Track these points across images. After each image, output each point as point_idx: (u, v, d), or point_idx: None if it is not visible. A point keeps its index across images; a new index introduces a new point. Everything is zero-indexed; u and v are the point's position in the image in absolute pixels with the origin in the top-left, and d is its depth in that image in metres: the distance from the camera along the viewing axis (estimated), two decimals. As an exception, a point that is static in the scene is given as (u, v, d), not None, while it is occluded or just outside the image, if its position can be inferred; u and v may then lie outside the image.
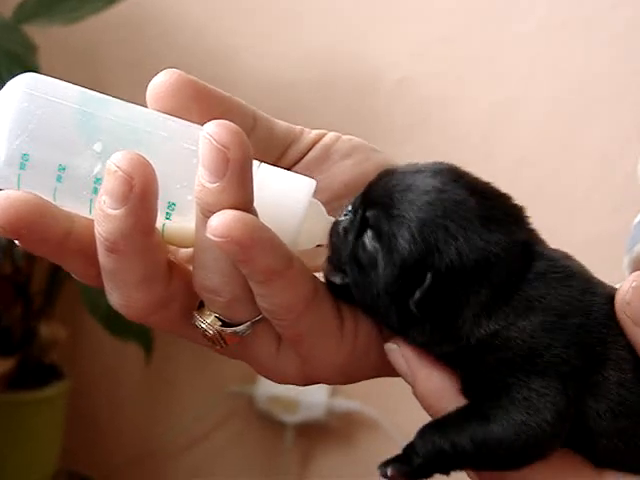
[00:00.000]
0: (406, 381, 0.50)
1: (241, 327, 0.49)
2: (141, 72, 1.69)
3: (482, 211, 0.49)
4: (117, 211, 0.45)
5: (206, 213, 0.45)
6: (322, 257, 0.52)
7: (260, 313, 0.49)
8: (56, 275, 1.54)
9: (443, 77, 1.57)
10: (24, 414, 1.57)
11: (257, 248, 0.45)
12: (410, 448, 0.48)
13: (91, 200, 0.47)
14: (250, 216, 0.45)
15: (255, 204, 0.46)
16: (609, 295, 0.49)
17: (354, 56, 1.60)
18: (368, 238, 0.48)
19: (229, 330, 0.49)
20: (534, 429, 0.47)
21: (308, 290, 0.48)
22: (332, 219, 0.50)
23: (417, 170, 0.50)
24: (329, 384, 0.53)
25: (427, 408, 0.50)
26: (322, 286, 0.50)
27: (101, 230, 0.46)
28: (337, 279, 0.50)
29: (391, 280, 0.48)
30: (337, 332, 0.50)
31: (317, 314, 0.49)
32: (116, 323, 1.47)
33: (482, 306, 0.47)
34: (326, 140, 0.55)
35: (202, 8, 1.64)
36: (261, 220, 0.46)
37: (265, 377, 0.52)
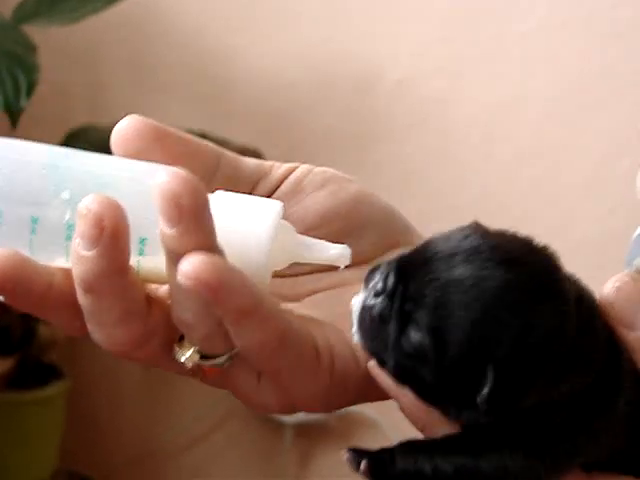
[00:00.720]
0: (392, 396, 0.50)
1: (219, 360, 0.50)
2: (141, 72, 1.70)
3: (538, 298, 0.46)
4: (90, 252, 0.46)
5: (171, 255, 0.46)
6: (299, 267, 0.52)
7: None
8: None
9: (443, 77, 1.57)
10: (23, 414, 1.57)
11: (226, 290, 0.45)
12: (388, 455, 0.48)
13: (66, 247, 0.48)
14: (218, 259, 0.46)
15: (223, 233, 0.47)
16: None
17: (353, 56, 1.60)
18: (417, 335, 0.46)
19: (208, 363, 0.50)
20: None
21: (279, 328, 0.48)
22: (305, 237, 0.51)
23: (451, 253, 0.47)
24: (310, 412, 0.54)
25: (415, 422, 0.50)
26: (296, 320, 0.50)
27: (77, 272, 0.47)
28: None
29: (446, 374, 0.45)
30: (314, 365, 0.51)
31: (292, 349, 0.49)
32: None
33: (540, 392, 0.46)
34: (297, 173, 0.55)
35: (202, 8, 1.64)
36: (229, 247, 0.47)
37: (247, 406, 0.53)
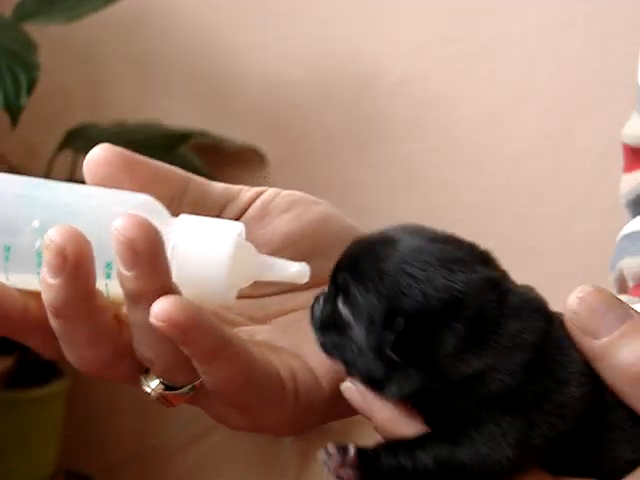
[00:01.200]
0: (363, 414, 0.52)
1: (183, 390, 0.52)
2: (141, 70, 1.70)
3: (443, 254, 0.49)
4: (56, 280, 0.48)
5: (129, 297, 0.49)
6: (264, 287, 0.55)
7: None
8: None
9: (442, 76, 1.57)
10: (23, 412, 1.57)
11: (196, 331, 0.48)
12: (372, 452, 0.50)
13: (38, 273, 0.51)
14: (188, 301, 0.48)
15: (186, 257, 0.50)
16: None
17: (354, 55, 1.60)
18: (340, 303, 0.50)
19: (171, 393, 0.52)
20: (495, 463, 0.48)
21: (246, 365, 0.51)
22: (265, 257, 0.52)
23: (381, 231, 0.52)
24: (278, 436, 0.56)
25: (386, 438, 0.52)
26: (260, 353, 0.52)
27: (46, 298, 0.50)
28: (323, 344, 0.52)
29: (366, 336, 0.49)
30: (279, 395, 0.53)
31: (258, 384, 0.52)
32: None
33: (463, 342, 0.48)
34: (265, 197, 0.57)
35: (201, 6, 1.64)
36: (192, 269, 0.50)
37: (221, 424, 0.56)
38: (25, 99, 1.34)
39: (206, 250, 0.50)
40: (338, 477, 0.49)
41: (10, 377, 1.58)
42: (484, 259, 0.51)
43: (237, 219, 0.56)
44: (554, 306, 0.52)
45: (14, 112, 1.34)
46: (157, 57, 1.67)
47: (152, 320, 0.47)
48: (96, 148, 0.54)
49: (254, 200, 0.56)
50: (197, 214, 0.53)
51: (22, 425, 1.56)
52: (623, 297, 0.72)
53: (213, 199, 0.56)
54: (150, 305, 0.48)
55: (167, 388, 0.53)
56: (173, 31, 1.66)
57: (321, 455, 0.49)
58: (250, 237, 0.53)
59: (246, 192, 0.57)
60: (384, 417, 0.51)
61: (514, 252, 1.58)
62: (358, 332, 0.49)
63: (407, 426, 0.50)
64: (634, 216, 0.74)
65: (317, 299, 0.52)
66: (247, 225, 0.54)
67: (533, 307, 0.50)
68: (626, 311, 0.49)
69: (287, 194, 0.57)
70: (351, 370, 0.51)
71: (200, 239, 0.50)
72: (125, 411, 1.76)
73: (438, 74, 1.56)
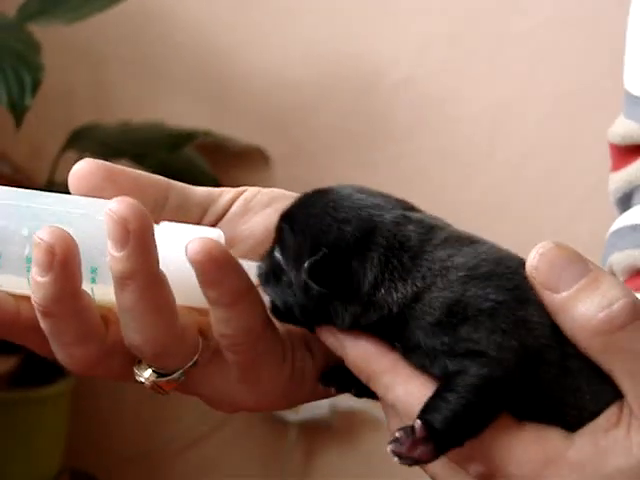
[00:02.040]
0: (336, 354, 0.53)
1: (174, 375, 0.55)
2: (144, 70, 1.70)
3: (366, 201, 0.53)
4: (44, 278, 0.51)
5: (118, 279, 0.51)
6: None
7: (191, 359, 0.54)
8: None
9: (445, 76, 1.57)
10: (28, 412, 1.57)
11: (230, 268, 0.51)
12: (424, 421, 0.49)
13: (27, 278, 0.53)
14: (219, 242, 0.51)
15: (165, 263, 0.52)
16: (515, 256, 0.53)
17: (356, 55, 1.60)
18: (275, 252, 0.53)
19: (163, 380, 0.55)
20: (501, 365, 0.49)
21: (265, 312, 0.53)
22: (243, 261, 0.54)
23: (313, 190, 0.55)
24: (272, 410, 0.59)
25: (358, 374, 0.53)
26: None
27: (35, 297, 0.52)
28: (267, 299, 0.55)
29: (295, 276, 0.52)
30: (280, 356, 0.55)
31: (269, 338, 0.54)
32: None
33: (383, 270, 0.51)
34: (246, 195, 0.59)
35: (204, 6, 1.65)
36: (171, 275, 0.52)
37: (213, 407, 0.58)
38: (29, 99, 1.34)
39: (183, 259, 0.52)
40: (415, 459, 0.49)
41: (15, 377, 1.58)
42: (408, 207, 0.53)
43: (220, 219, 0.58)
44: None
45: (18, 112, 1.34)
46: (161, 57, 1.67)
47: (189, 256, 0.49)
48: (79, 162, 0.56)
49: (235, 200, 0.59)
50: (179, 219, 0.56)
51: (27, 424, 1.56)
52: None
53: (195, 203, 0.58)
54: (139, 287, 0.50)
55: (160, 376, 0.55)
56: (177, 31, 1.66)
57: (390, 446, 0.49)
58: (233, 232, 0.57)
59: (227, 193, 0.59)
60: (356, 354, 0.52)
61: (516, 252, 1.58)
62: (290, 274, 0.52)
63: (379, 360, 0.51)
64: (621, 213, 0.75)
65: (262, 257, 0.54)
66: (230, 222, 0.57)
67: (458, 237, 0.52)
68: (585, 265, 0.50)
69: (268, 191, 0.59)
70: (295, 316, 0.53)
71: (180, 245, 0.52)
72: (130, 411, 1.77)
73: (441, 74, 1.57)
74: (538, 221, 1.55)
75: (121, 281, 0.51)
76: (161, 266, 0.52)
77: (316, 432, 1.69)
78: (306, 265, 0.51)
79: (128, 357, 0.55)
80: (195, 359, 0.54)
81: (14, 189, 0.56)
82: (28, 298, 0.53)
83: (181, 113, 1.64)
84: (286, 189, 0.60)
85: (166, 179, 0.58)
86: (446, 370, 0.50)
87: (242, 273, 0.51)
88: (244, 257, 0.55)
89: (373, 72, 1.59)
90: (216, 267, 0.50)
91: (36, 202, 0.55)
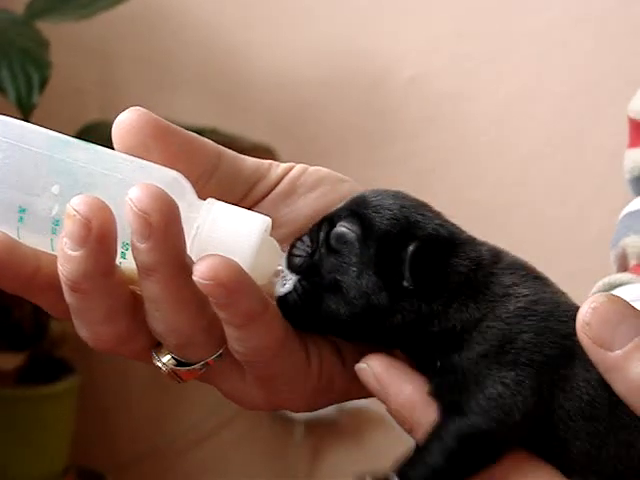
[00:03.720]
0: (378, 399, 0.51)
1: (195, 366, 0.51)
2: (152, 68, 1.70)
3: (436, 211, 0.52)
4: (77, 252, 0.47)
5: (141, 269, 0.48)
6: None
7: (216, 351, 0.51)
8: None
9: (454, 74, 1.56)
10: (35, 409, 1.57)
11: (241, 291, 0.47)
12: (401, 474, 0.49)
13: (52, 240, 0.49)
14: (232, 260, 0.47)
15: (209, 242, 0.49)
16: (573, 303, 0.51)
17: (365, 53, 1.60)
18: (344, 224, 0.50)
19: (183, 369, 0.51)
20: (503, 425, 0.48)
21: (282, 331, 0.50)
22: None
23: (375, 189, 0.53)
24: (294, 412, 0.55)
25: (401, 423, 0.50)
26: (290, 325, 0.51)
27: (64, 271, 0.48)
28: (288, 285, 0.51)
29: (374, 252, 0.49)
30: (304, 368, 0.52)
31: (288, 354, 0.51)
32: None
33: (464, 281, 0.49)
34: (293, 173, 0.55)
35: (212, 4, 1.65)
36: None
37: (232, 401, 0.54)
38: (37, 97, 1.34)
39: (231, 241, 0.49)
40: None
41: (22, 374, 1.58)
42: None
43: (265, 196, 0.55)
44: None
45: (26, 110, 1.34)
46: (169, 55, 1.67)
47: (196, 279, 0.46)
48: (127, 111, 0.52)
49: (283, 177, 0.55)
50: (227, 191, 0.52)
51: (34, 422, 1.56)
52: (624, 275, 0.71)
53: (245, 175, 0.54)
54: (163, 279, 0.47)
55: (179, 364, 0.51)
56: (185, 29, 1.66)
57: None
58: (276, 215, 0.53)
59: (275, 168, 0.55)
60: (400, 402, 0.50)
61: (526, 250, 1.58)
62: (365, 252, 0.49)
63: (424, 411, 0.49)
64: (638, 193, 0.73)
65: (298, 239, 0.51)
66: (274, 202, 0.54)
67: (523, 266, 0.51)
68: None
69: (314, 171, 0.56)
70: (341, 299, 0.49)
71: (226, 228, 0.49)
72: (136, 408, 1.77)
73: (450, 72, 1.56)
74: (547, 219, 1.55)
75: (144, 271, 0.48)
76: (202, 246, 0.49)
77: (322, 430, 1.69)
78: (411, 249, 0.48)
79: (154, 338, 0.51)
80: (220, 352, 0.51)
81: (48, 133, 0.50)
82: (50, 255, 0.49)
83: (189, 111, 1.64)
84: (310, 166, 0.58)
85: (218, 146, 0.54)
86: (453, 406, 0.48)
87: (255, 293, 0.48)
88: (283, 242, 0.52)
89: (382, 70, 1.59)
90: (224, 291, 0.47)
91: (71, 156, 0.49)
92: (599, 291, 0.72)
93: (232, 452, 1.74)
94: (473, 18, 1.55)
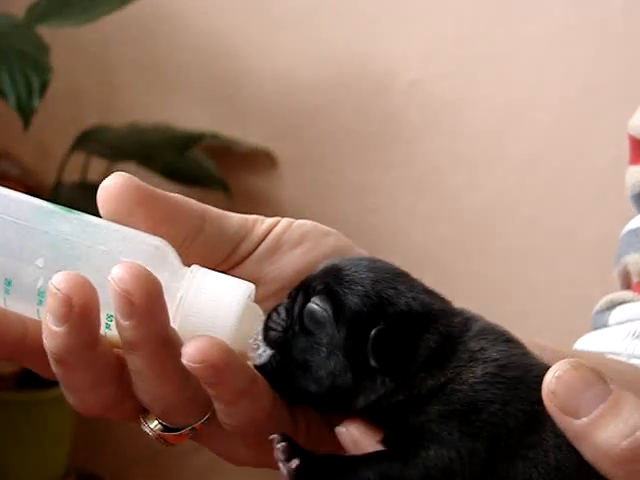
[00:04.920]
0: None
1: (182, 431, 0.52)
2: (152, 72, 1.70)
3: (415, 282, 0.52)
4: (59, 329, 0.47)
5: (125, 345, 0.48)
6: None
7: (202, 416, 0.52)
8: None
9: (455, 78, 1.56)
10: (34, 413, 1.58)
11: (230, 370, 0.48)
12: (316, 463, 0.49)
13: (37, 311, 0.50)
14: (221, 340, 0.48)
15: (192, 310, 0.49)
16: (545, 365, 0.51)
17: (366, 57, 1.60)
18: (316, 302, 0.50)
19: (170, 434, 0.52)
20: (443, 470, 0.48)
21: (269, 402, 0.51)
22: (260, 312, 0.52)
23: (350, 258, 0.53)
24: None
25: None
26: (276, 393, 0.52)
27: (47, 344, 0.48)
28: (264, 358, 0.51)
29: (344, 335, 0.49)
30: (292, 431, 0.53)
31: (276, 420, 0.52)
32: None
33: (432, 354, 0.49)
34: (277, 230, 0.56)
35: (213, 9, 1.65)
36: (197, 327, 0.49)
37: (223, 459, 0.56)
38: (37, 101, 1.34)
39: (214, 309, 0.50)
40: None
41: (22, 378, 1.58)
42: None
43: (251, 254, 0.55)
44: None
45: (26, 114, 1.34)
46: (169, 59, 1.67)
47: (185, 362, 0.47)
48: (111, 177, 0.52)
49: (268, 233, 0.55)
50: (211, 251, 0.53)
51: (34, 426, 1.56)
52: (627, 293, 0.71)
53: (229, 234, 0.54)
54: (147, 354, 0.48)
55: (166, 429, 0.52)
56: (185, 33, 1.66)
57: (275, 439, 0.49)
58: (260, 273, 0.54)
59: (260, 224, 0.56)
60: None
61: (525, 255, 1.58)
62: (335, 334, 0.50)
63: None
64: (639, 209, 0.73)
65: (274, 309, 0.52)
66: (258, 261, 0.54)
67: (500, 335, 0.51)
68: (605, 387, 0.47)
69: (299, 225, 0.56)
70: (310, 377, 0.50)
71: (209, 297, 0.50)
72: (136, 412, 1.77)
73: (451, 76, 1.56)
74: (546, 224, 1.55)
75: (128, 346, 0.48)
76: (185, 313, 0.49)
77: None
78: (373, 333, 0.49)
79: (139, 402, 0.52)
80: (207, 417, 0.52)
81: (33, 202, 0.51)
82: (36, 321, 0.50)
83: (189, 115, 1.64)
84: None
85: (203, 206, 0.54)
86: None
87: (243, 371, 0.49)
88: (267, 299, 0.52)
89: (383, 74, 1.59)
90: (214, 372, 0.47)
91: (55, 228, 0.50)
92: (601, 309, 0.72)
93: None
94: (474, 23, 1.55)
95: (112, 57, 1.69)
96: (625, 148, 0.78)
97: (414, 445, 0.48)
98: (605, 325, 0.71)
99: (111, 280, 0.47)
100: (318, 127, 1.62)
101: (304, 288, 0.51)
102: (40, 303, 0.50)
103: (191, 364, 0.47)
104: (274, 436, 0.49)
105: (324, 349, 0.50)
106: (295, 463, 0.49)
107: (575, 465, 0.48)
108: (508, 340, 0.51)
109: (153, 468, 1.76)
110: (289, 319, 0.51)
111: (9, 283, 0.50)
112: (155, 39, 1.67)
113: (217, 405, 0.50)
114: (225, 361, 0.47)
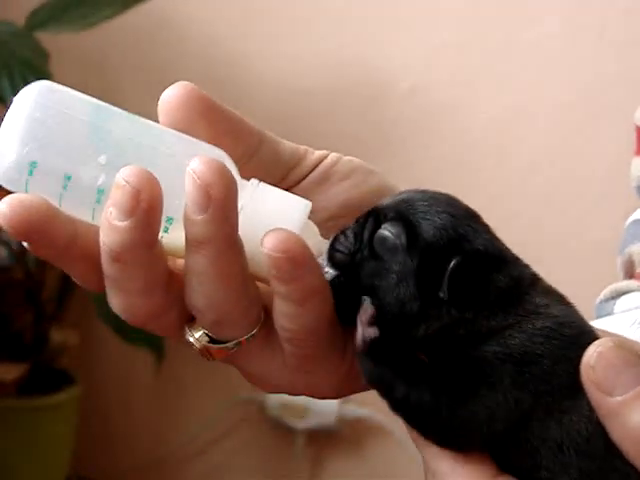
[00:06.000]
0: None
1: (228, 344, 0.51)
2: (152, 78, 1.70)
3: (494, 232, 0.52)
4: (123, 223, 0.47)
5: (192, 242, 0.48)
6: None
7: (250, 331, 0.51)
8: (68, 281, 1.55)
9: (454, 84, 1.57)
10: (35, 420, 1.58)
11: (306, 266, 0.48)
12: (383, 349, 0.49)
13: (94, 209, 0.49)
14: (299, 235, 0.48)
15: (251, 222, 0.49)
16: (597, 334, 0.51)
17: (366, 63, 1.60)
18: (389, 228, 0.50)
19: (215, 347, 0.51)
20: (479, 427, 0.48)
21: (333, 312, 0.50)
22: (324, 240, 0.52)
23: (427, 190, 0.53)
24: (317, 397, 0.55)
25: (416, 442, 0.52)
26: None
27: (106, 240, 0.47)
28: (327, 277, 0.51)
29: (417, 264, 0.49)
30: (342, 351, 0.52)
31: (332, 336, 0.51)
32: (127, 329, 1.47)
33: (501, 296, 0.49)
34: (327, 161, 0.56)
35: (212, 15, 1.65)
36: (255, 239, 0.48)
37: (252, 384, 0.54)
38: (37, 107, 1.34)
39: (275, 222, 0.49)
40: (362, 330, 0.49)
41: (23, 384, 1.58)
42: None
43: (300, 182, 0.55)
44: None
45: (26, 120, 1.34)
46: (168, 65, 1.67)
47: (266, 251, 0.47)
48: (174, 86, 0.52)
49: (318, 164, 0.56)
50: (265, 174, 0.52)
51: (35, 432, 1.56)
52: (632, 282, 0.71)
53: (283, 158, 0.55)
54: (213, 253, 0.47)
55: (211, 341, 0.51)
56: (184, 39, 1.66)
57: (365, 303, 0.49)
58: (310, 200, 0.53)
59: (311, 154, 0.56)
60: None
61: (526, 259, 1.58)
62: (406, 261, 0.49)
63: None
64: None
65: (342, 232, 0.51)
66: (308, 189, 0.54)
67: (558, 294, 0.51)
68: None
69: (347, 160, 0.56)
70: (379, 300, 0.50)
71: (270, 209, 0.49)
72: (137, 418, 1.77)
73: (450, 82, 1.57)
74: (547, 228, 1.55)
75: (195, 244, 0.47)
76: (244, 226, 0.48)
77: (323, 440, 1.69)
78: (452, 265, 0.48)
79: (185, 313, 0.51)
80: (254, 332, 0.51)
81: (97, 102, 0.51)
82: (87, 224, 0.49)
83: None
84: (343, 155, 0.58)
85: (260, 129, 0.55)
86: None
87: (318, 270, 0.49)
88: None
89: (383, 80, 1.59)
90: (293, 265, 0.47)
91: (120, 127, 0.49)
92: (605, 298, 0.72)
93: (233, 461, 1.74)
94: (473, 30, 1.55)
95: (112, 63, 1.69)
96: (625, 151, 0.78)
97: (466, 382, 0.48)
98: (610, 314, 0.71)
99: (190, 172, 0.46)
100: (316, 133, 1.62)
101: (374, 214, 0.51)
102: (98, 201, 0.49)
103: (272, 253, 0.47)
104: (365, 297, 0.49)
105: (394, 276, 0.49)
106: (375, 333, 0.48)
107: (603, 442, 0.48)
108: (568, 304, 0.51)
109: (154, 474, 1.76)
110: (357, 243, 0.50)
111: (69, 178, 0.49)
112: (155, 45, 1.67)
113: (283, 308, 0.49)
114: (303, 255, 0.47)
